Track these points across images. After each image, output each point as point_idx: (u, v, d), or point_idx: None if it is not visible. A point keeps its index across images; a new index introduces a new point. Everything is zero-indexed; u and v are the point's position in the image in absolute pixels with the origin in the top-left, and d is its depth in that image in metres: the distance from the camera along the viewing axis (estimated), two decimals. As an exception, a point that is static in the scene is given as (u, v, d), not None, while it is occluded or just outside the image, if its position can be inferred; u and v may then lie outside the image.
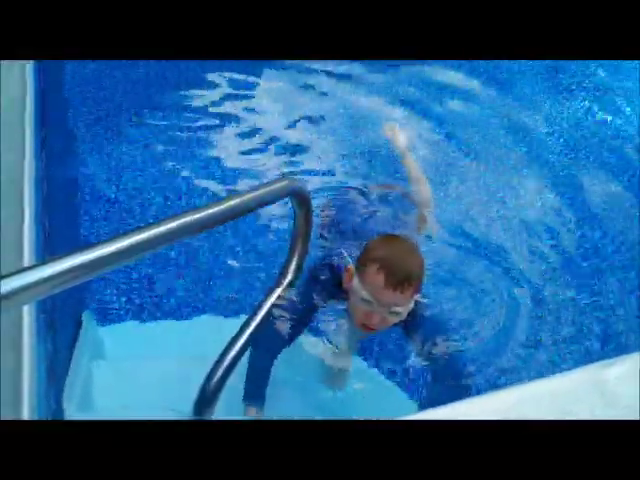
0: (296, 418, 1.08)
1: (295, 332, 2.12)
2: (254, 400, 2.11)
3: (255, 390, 2.12)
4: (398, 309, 1.93)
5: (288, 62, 4.15)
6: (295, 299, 2.13)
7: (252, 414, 2.07)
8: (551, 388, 1.15)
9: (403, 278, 1.91)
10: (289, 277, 1.61)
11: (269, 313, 1.57)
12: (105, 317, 2.68)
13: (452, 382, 2.13)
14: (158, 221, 1.21)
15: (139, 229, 1.11)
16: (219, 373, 1.56)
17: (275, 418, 1.96)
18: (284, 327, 2.13)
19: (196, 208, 1.35)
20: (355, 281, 1.95)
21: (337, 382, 2.41)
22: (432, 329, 2.17)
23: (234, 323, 1.76)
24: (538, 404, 1.12)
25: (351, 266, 2.02)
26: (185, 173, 3.41)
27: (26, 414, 1.47)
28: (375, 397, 2.38)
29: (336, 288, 2.13)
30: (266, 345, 2.12)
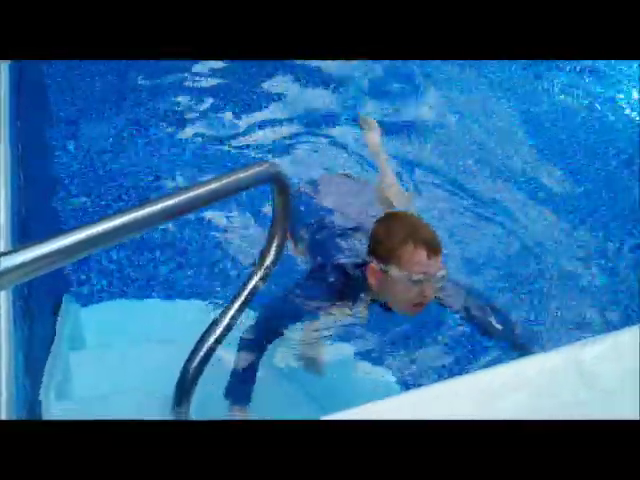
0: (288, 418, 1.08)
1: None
2: (240, 399, 2.10)
3: (241, 388, 2.11)
4: (443, 272, 2.05)
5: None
6: (297, 300, 2.16)
7: (238, 413, 2.07)
8: (532, 369, 1.17)
9: (436, 242, 2.05)
10: (267, 263, 1.60)
11: (248, 299, 1.57)
12: (86, 299, 2.68)
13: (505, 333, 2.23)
14: (135, 206, 1.20)
15: (112, 215, 1.10)
16: (197, 359, 1.55)
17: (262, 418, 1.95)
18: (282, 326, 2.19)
19: (173, 192, 1.34)
20: (393, 272, 2.02)
21: (314, 366, 2.41)
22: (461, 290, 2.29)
23: (215, 306, 1.74)
24: (519, 387, 1.13)
25: (373, 264, 2.07)
26: (160, 160, 3.41)
27: (3, 406, 1.45)
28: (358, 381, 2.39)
29: (347, 289, 2.18)
30: (259, 343, 2.14)
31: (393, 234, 2.06)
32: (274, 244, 1.59)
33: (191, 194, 1.34)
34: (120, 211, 1.16)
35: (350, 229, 2.39)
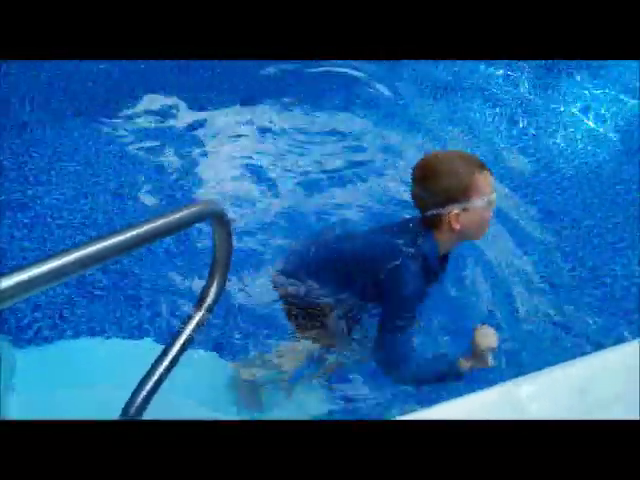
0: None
1: None
2: (450, 371, 2.17)
3: (440, 364, 2.18)
4: None
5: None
6: (411, 298, 2.17)
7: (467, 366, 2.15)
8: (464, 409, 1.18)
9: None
10: (208, 303, 1.58)
11: (189, 338, 1.54)
12: (22, 340, 2.61)
13: None
14: (66, 249, 1.18)
15: (42, 260, 1.08)
16: (138, 401, 1.52)
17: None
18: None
19: (109, 234, 1.31)
20: (476, 203, 2.15)
21: (251, 400, 2.38)
22: None
23: (156, 346, 1.71)
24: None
25: (452, 211, 2.16)
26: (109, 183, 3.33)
27: None
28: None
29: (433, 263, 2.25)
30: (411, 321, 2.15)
31: (459, 173, 2.15)
32: (215, 283, 1.57)
33: (129, 234, 1.32)
34: (50, 255, 1.13)
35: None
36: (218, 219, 1.50)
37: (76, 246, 1.20)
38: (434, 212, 2.18)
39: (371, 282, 2.20)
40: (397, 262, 2.14)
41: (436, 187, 2.16)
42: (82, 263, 1.16)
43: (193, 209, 1.46)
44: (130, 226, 1.37)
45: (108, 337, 2.64)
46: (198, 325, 1.52)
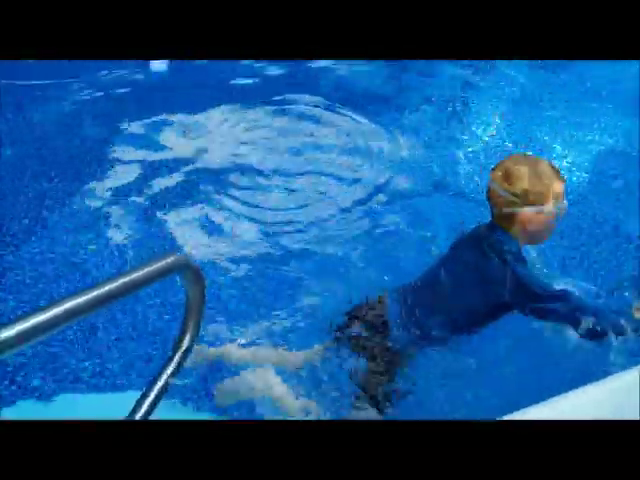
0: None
1: None
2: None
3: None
4: None
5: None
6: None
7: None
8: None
9: None
10: (181, 352, 1.61)
11: (161, 393, 1.56)
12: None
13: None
14: (38, 308, 1.20)
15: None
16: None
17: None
18: None
19: (80, 291, 1.34)
20: (548, 208, 2.31)
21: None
22: None
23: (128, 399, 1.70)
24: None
25: (526, 213, 2.32)
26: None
27: None
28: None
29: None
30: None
31: (541, 178, 2.31)
32: (188, 335, 1.60)
33: (99, 291, 1.35)
34: (20, 317, 1.14)
35: None
36: (189, 271, 1.53)
37: (48, 305, 1.22)
38: (510, 210, 2.33)
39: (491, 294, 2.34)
40: (500, 262, 2.31)
41: (517, 188, 2.31)
42: (52, 323, 1.19)
43: (163, 262, 1.49)
44: (100, 282, 1.40)
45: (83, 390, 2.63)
46: (174, 372, 1.55)
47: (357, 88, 4.97)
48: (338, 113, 4.55)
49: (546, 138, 4.41)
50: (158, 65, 5.08)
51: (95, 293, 1.33)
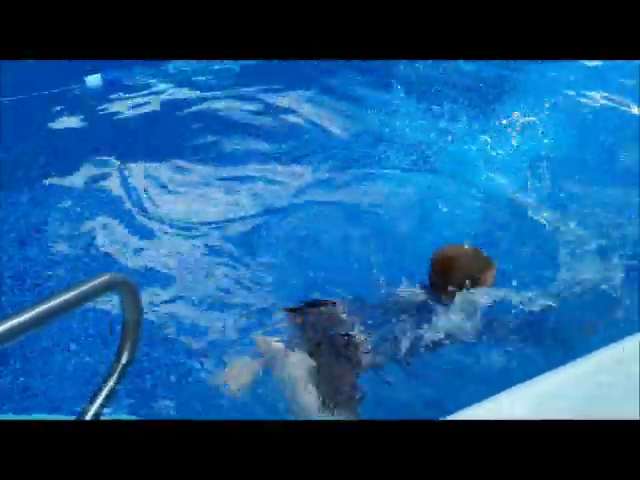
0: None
1: None
2: None
3: None
4: None
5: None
6: None
7: None
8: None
9: None
10: (120, 368, 1.61)
11: (103, 404, 1.56)
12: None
13: None
14: None
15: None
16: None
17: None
18: None
19: (11, 313, 1.34)
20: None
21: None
22: None
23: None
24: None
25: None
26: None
27: None
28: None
29: None
30: None
31: (471, 268, 2.79)
32: (125, 352, 1.60)
33: (32, 313, 1.35)
34: None
35: None
36: (125, 288, 1.52)
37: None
38: (450, 290, 2.72)
39: None
40: None
41: (452, 279, 2.73)
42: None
43: (97, 281, 1.48)
44: (32, 305, 1.39)
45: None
46: (112, 390, 1.56)
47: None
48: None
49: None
50: (93, 80, 5.05)
51: (24, 317, 1.33)
